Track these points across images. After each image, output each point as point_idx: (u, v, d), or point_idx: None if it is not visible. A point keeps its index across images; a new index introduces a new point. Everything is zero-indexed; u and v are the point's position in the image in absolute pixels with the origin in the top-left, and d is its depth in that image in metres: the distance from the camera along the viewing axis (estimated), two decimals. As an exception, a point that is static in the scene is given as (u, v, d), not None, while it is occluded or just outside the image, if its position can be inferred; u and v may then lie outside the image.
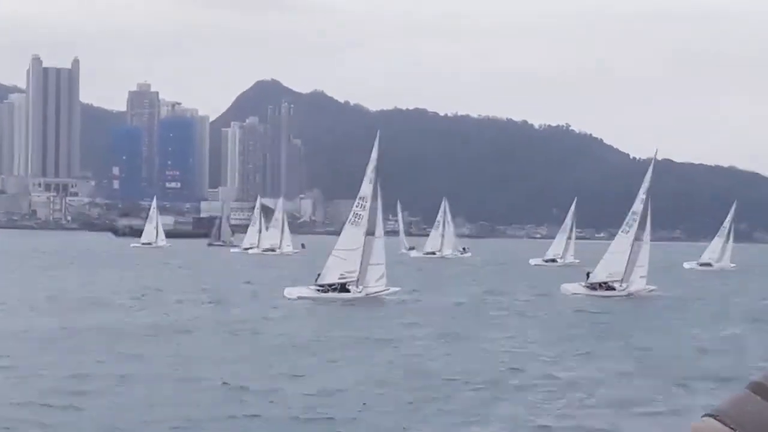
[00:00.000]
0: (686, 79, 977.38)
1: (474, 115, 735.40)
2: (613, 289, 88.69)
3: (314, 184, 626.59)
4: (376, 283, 76.25)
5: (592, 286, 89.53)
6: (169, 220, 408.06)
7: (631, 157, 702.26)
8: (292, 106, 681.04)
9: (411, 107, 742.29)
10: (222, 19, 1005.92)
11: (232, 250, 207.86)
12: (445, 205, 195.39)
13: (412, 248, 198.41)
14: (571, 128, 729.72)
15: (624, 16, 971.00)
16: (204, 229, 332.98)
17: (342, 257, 75.97)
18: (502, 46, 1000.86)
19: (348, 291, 75.68)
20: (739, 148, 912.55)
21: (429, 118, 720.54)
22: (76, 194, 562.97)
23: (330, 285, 75.81)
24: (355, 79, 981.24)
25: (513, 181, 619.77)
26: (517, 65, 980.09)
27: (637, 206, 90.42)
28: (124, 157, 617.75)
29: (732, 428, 2.90)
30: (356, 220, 77.35)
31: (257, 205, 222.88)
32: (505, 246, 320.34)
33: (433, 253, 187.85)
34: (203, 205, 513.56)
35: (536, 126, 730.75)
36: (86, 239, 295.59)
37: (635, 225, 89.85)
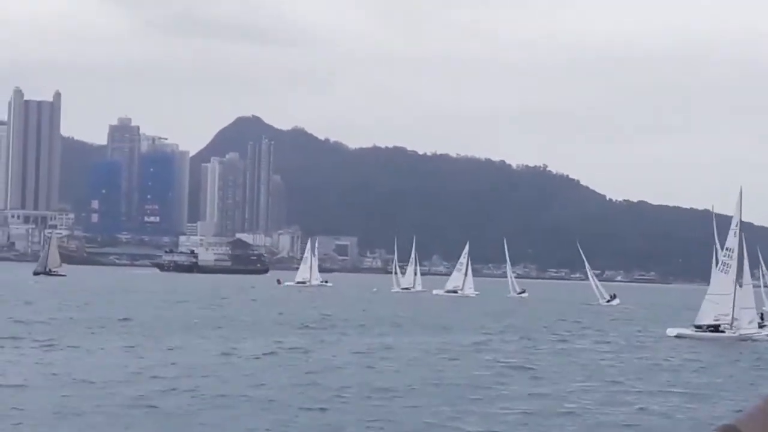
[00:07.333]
0: (663, 119, 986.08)
1: (452, 154, 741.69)
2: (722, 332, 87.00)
3: (293, 220, 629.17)
4: (748, 325, 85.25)
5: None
6: (210, 256, 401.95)
7: (607, 198, 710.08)
8: (272, 142, 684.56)
9: (390, 145, 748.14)
10: (203, 54, 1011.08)
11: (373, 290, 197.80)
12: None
13: (522, 291, 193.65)
14: (548, 169, 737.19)
15: (602, 55, 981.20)
16: (243, 264, 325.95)
17: (715, 301, 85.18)
18: (482, 83, 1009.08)
19: (722, 332, 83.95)
20: (713, 190, 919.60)
21: (408, 157, 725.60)
22: (54, 227, 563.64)
23: (707, 326, 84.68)
24: (336, 116, 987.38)
25: (490, 221, 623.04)
26: (495, 103, 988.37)
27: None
28: (103, 191, 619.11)
29: None
30: (725, 268, 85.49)
31: (413, 255, 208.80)
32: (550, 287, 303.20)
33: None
34: (182, 239, 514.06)
35: (514, 166, 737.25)
36: (148, 276, 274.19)
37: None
